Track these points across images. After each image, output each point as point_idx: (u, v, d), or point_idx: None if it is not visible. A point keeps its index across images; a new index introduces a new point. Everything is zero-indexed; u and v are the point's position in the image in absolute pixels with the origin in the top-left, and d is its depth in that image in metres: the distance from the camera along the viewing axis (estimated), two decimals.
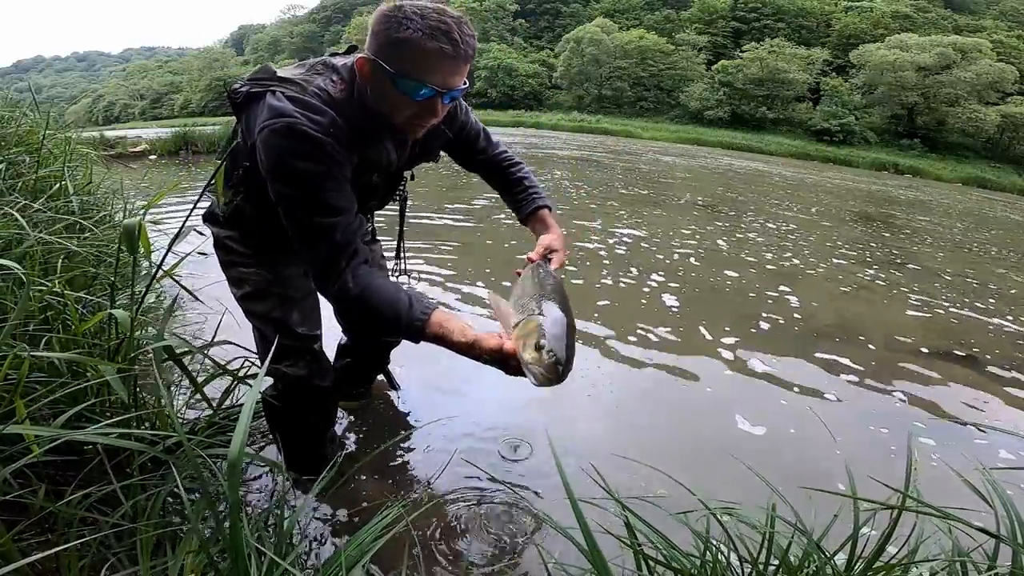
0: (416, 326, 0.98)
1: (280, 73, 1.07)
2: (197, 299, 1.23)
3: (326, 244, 1.01)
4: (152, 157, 8.02)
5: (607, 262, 3.68)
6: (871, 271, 4.25)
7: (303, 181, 0.99)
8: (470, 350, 0.96)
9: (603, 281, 3.22)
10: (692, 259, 3.98)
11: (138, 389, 1.04)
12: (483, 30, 41.82)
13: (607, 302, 2.87)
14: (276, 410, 1.27)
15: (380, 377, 1.80)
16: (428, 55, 0.95)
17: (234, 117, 1.17)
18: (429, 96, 0.99)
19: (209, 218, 1.28)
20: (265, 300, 1.23)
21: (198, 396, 1.40)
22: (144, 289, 1.08)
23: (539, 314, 0.90)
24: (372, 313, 1.01)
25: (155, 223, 2.20)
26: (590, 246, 4.07)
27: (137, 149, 8.00)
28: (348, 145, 1.02)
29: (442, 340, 0.99)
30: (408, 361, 1.89)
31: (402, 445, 1.54)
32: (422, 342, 1.01)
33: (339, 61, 1.11)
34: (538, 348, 0.85)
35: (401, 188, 1.36)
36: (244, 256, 1.24)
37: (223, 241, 1.25)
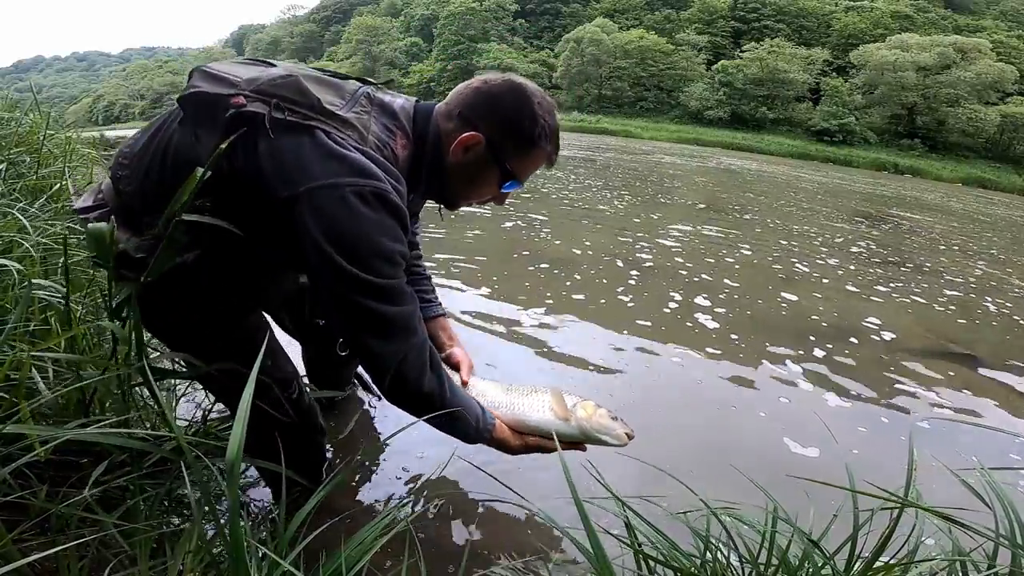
0: (487, 432, 1.04)
1: (319, 95, 0.82)
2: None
3: (403, 339, 0.87)
4: None
5: (634, 277, 3.68)
6: (872, 271, 4.25)
7: (387, 264, 0.81)
8: (525, 449, 1.10)
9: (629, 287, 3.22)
10: (715, 266, 3.98)
11: (137, 391, 1.04)
12: (483, 30, 41.82)
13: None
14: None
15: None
16: (539, 161, 0.98)
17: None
18: (513, 189, 1.00)
19: (128, 262, 0.83)
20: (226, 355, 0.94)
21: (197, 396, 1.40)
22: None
23: (579, 401, 1.14)
24: (458, 422, 0.98)
25: None
26: (618, 265, 4.07)
27: None
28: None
29: (500, 443, 1.06)
30: None
31: (401, 446, 1.54)
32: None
33: (392, 100, 0.94)
34: (615, 419, 1.12)
35: None
36: (190, 304, 0.92)
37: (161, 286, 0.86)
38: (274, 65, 0.90)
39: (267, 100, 0.79)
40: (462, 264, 3.28)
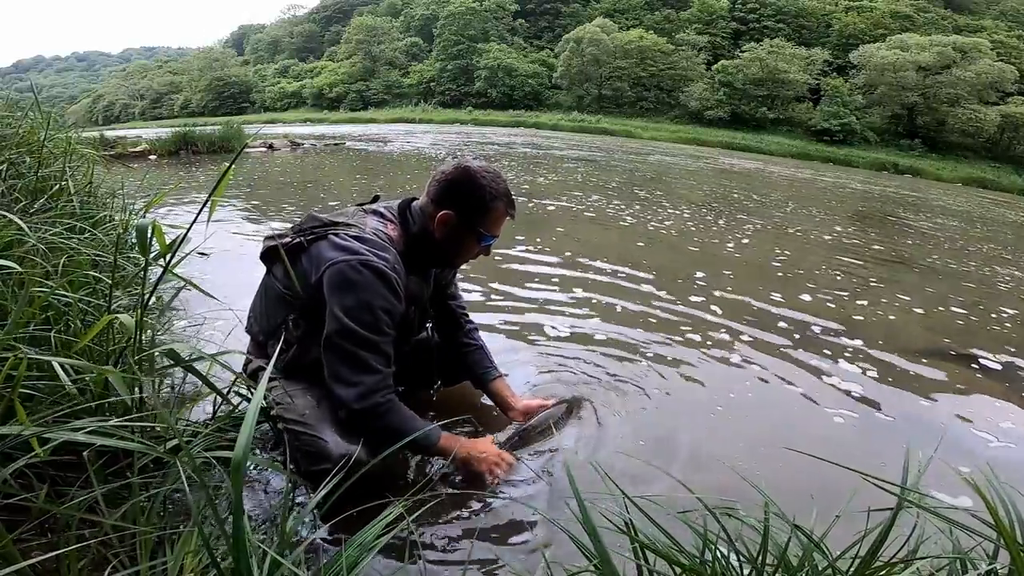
0: (432, 443, 1.27)
1: (330, 217, 1.25)
2: (210, 295, 1.20)
3: (366, 374, 1.16)
4: (152, 157, 8.02)
5: (629, 275, 3.67)
6: (872, 271, 4.25)
7: (372, 312, 1.14)
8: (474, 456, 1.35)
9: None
10: (714, 264, 3.98)
11: (139, 390, 1.04)
12: (483, 30, 41.77)
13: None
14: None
15: None
16: (501, 216, 1.32)
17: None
18: (491, 242, 1.34)
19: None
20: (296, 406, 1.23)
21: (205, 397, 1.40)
22: (150, 292, 1.08)
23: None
24: (395, 438, 1.16)
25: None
26: (618, 262, 4.06)
27: (137, 149, 8.00)
28: (404, 280, 1.23)
29: (445, 450, 1.30)
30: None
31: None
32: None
33: (378, 206, 1.35)
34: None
35: (430, 320, 1.59)
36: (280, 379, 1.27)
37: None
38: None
39: (302, 232, 1.24)
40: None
